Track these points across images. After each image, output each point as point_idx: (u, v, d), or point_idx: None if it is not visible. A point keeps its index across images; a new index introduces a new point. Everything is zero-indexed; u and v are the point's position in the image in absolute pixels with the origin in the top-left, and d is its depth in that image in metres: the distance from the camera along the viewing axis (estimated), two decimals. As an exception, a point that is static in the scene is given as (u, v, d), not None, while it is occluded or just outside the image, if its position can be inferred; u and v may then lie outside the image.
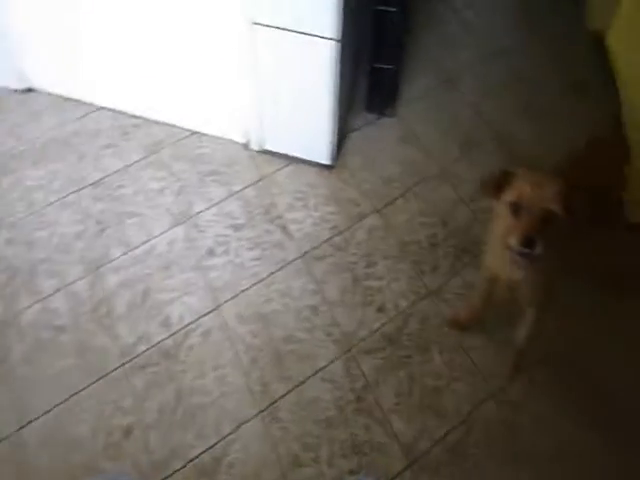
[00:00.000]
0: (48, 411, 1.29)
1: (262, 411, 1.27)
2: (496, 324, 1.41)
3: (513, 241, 0.97)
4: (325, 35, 1.32)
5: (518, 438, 1.26)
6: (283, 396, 1.29)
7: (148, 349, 1.37)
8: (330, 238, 1.58)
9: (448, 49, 2.04)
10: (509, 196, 1.00)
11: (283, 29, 1.35)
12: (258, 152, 1.75)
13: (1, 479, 1.22)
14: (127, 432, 1.26)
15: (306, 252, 1.54)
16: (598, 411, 1.31)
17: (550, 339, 1.37)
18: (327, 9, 1.27)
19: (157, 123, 1.81)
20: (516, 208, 0.98)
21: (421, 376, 1.32)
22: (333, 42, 1.33)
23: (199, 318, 1.41)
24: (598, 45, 1.79)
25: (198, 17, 1.46)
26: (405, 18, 1.85)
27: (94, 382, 1.32)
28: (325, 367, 1.33)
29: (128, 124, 1.81)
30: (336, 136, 1.66)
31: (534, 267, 1.04)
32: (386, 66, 1.75)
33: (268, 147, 1.74)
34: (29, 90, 1.88)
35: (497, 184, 1.02)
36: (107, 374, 1.33)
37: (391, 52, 1.73)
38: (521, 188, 0.99)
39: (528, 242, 0.95)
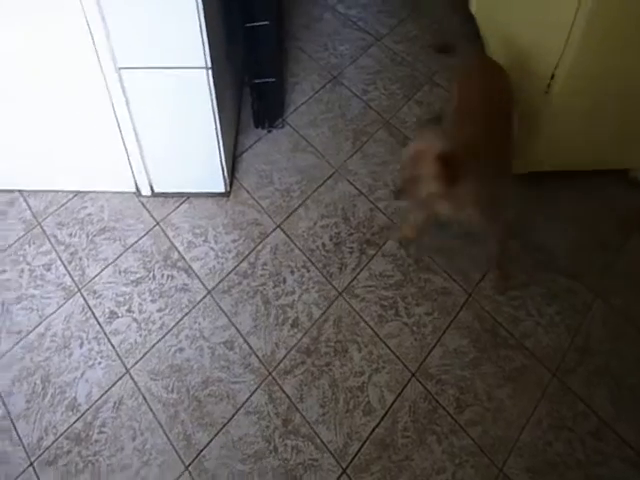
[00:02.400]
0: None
1: (188, 466, 1.23)
2: (407, 307, 1.44)
3: None
4: (195, 65, 1.32)
5: (442, 413, 1.29)
6: (208, 444, 1.26)
7: (55, 440, 1.29)
8: (235, 267, 1.57)
9: (329, 47, 2.09)
10: None
11: (151, 68, 1.34)
12: (150, 197, 1.73)
13: None
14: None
15: (212, 288, 1.53)
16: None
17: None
18: (192, 39, 1.26)
19: (34, 193, 1.74)
20: None
21: (343, 379, 1.33)
22: (205, 70, 1.33)
23: (108, 390, 1.36)
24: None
25: (59, 74, 1.41)
26: (278, 28, 1.88)
27: (1, 493, 1.24)
28: (247, 400, 1.31)
29: (1, 201, 1.74)
30: (228, 161, 1.66)
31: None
32: (267, 80, 1.77)
33: (159, 189, 1.72)
34: None
35: None
36: (13, 481, 1.25)
37: (269, 65, 1.75)
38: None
39: None
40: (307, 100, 1.98)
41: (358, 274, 1.51)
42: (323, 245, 1.59)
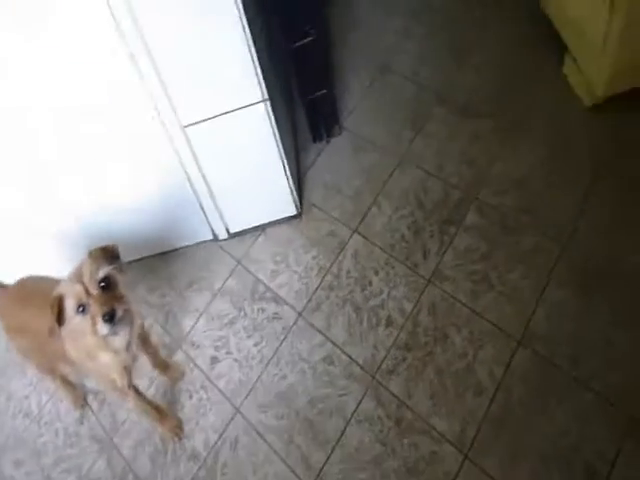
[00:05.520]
0: None
1: (311, 487, 1.39)
2: (500, 276, 1.45)
3: (102, 328, 1.18)
4: (254, 101, 1.49)
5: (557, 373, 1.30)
6: (327, 461, 1.40)
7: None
8: (320, 283, 1.73)
9: (371, 36, 2.23)
10: (70, 308, 1.20)
11: (214, 117, 1.51)
12: (227, 239, 1.97)
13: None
14: None
15: (302, 309, 1.70)
16: None
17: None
18: (248, 77, 1.43)
19: (127, 263, 2.08)
20: (82, 307, 1.19)
21: (448, 365, 1.41)
22: (263, 103, 1.50)
23: (223, 432, 1.58)
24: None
25: (128, 145, 1.59)
26: (325, 36, 2.01)
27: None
28: (356, 410, 1.44)
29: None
30: (294, 183, 1.82)
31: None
32: (319, 93, 1.93)
33: (235, 229, 1.95)
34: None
35: (58, 311, 1.20)
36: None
37: (320, 77, 1.92)
38: (73, 292, 1.18)
39: (110, 315, 1.17)
40: (360, 98, 2.12)
41: (443, 256, 1.59)
42: (402, 237, 1.69)
